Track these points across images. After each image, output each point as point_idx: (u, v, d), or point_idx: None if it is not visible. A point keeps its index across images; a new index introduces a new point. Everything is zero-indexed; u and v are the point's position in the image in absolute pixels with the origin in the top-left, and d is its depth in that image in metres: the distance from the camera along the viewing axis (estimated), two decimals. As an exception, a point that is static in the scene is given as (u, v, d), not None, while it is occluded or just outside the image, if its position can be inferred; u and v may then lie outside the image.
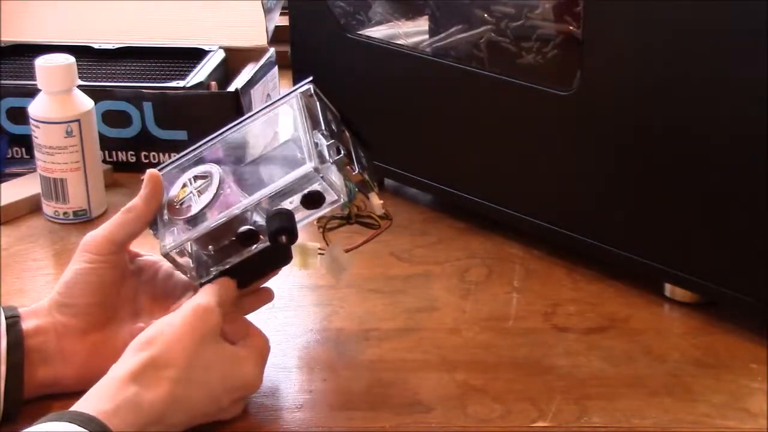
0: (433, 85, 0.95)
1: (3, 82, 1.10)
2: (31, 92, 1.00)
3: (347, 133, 0.77)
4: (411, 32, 1.02)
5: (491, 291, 0.88)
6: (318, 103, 0.76)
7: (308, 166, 0.70)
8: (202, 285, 0.73)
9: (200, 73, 1.13)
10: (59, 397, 0.73)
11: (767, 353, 0.79)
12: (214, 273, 0.73)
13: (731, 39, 0.74)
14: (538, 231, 0.91)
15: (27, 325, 0.72)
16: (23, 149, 1.10)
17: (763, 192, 0.75)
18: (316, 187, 0.71)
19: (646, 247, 0.83)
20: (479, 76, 0.91)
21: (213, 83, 1.12)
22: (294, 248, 0.74)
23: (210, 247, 0.73)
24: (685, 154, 0.79)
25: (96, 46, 1.19)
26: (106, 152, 1.09)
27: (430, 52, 0.98)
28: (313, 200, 0.71)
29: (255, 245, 0.72)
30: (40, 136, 0.98)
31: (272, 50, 1.22)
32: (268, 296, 0.78)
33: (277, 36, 1.23)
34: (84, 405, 0.64)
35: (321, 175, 0.70)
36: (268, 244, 0.71)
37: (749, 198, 0.76)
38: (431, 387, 0.76)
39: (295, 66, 1.05)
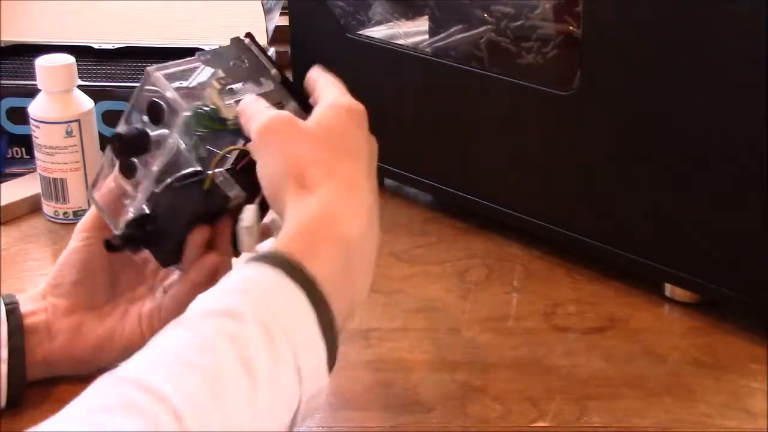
0: (433, 85, 0.95)
1: (3, 82, 1.10)
2: (31, 92, 1.00)
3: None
4: (411, 32, 1.02)
5: (491, 291, 0.88)
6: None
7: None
8: (121, 233, 0.72)
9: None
10: (60, 381, 0.74)
11: (767, 353, 0.79)
12: (132, 213, 0.72)
13: (732, 39, 0.74)
14: (538, 231, 0.91)
15: (23, 308, 0.74)
16: (23, 149, 1.10)
17: (763, 192, 0.75)
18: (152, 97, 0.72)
19: (646, 247, 0.83)
20: (479, 76, 0.91)
21: (213, 83, 1.12)
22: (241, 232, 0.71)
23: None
24: (685, 154, 0.79)
25: (96, 46, 1.19)
26: (106, 152, 1.09)
27: (430, 52, 0.98)
28: (154, 112, 0.73)
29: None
30: (40, 136, 0.98)
31: (272, 50, 1.22)
32: (211, 261, 0.72)
33: (277, 36, 1.23)
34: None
35: (153, 80, 0.72)
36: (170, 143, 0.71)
37: (749, 198, 0.76)
38: (431, 387, 0.76)
39: (295, 66, 1.05)
